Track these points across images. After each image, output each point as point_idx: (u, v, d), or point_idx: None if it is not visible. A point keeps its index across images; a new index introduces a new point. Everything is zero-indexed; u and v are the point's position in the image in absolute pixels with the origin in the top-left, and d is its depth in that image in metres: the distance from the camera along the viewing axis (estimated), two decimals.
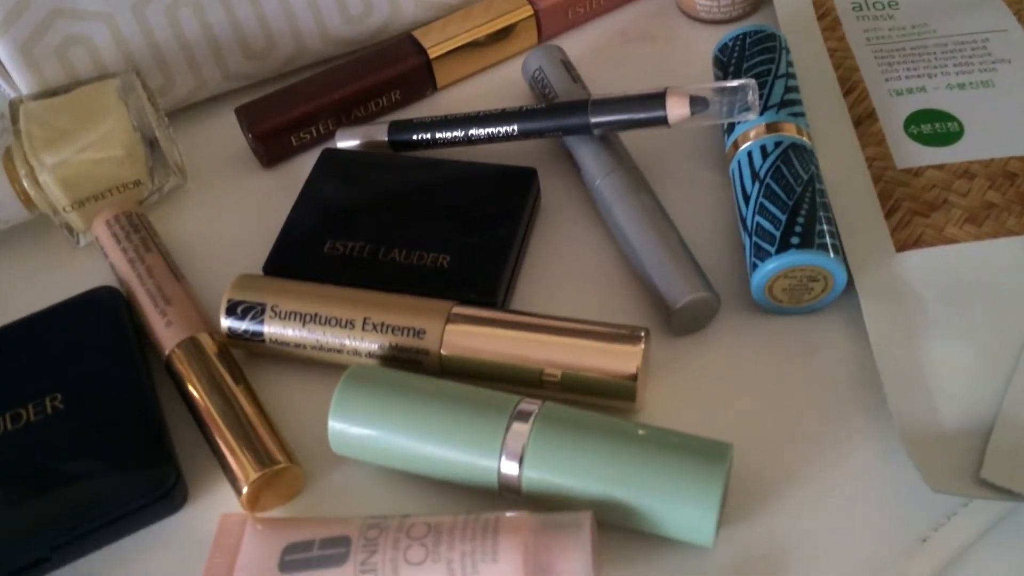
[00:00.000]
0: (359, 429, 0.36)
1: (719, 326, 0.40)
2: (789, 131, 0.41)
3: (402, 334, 0.38)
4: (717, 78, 0.46)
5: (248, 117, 0.49)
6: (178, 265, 0.43)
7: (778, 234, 0.38)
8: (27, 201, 0.45)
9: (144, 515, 0.36)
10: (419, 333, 0.38)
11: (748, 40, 0.45)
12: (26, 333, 0.41)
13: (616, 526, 0.34)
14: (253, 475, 0.36)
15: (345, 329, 0.39)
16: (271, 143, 0.49)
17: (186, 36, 0.49)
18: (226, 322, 0.40)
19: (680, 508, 0.32)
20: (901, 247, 0.40)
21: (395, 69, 0.50)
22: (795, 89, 0.43)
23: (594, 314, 0.39)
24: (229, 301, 0.40)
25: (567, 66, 0.48)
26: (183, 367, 0.39)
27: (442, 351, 0.38)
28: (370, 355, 0.39)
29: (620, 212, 0.42)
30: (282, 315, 0.39)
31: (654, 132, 0.44)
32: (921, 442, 0.34)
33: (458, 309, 0.38)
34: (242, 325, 0.40)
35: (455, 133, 0.46)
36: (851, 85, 0.46)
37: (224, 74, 0.51)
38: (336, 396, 0.36)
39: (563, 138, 0.46)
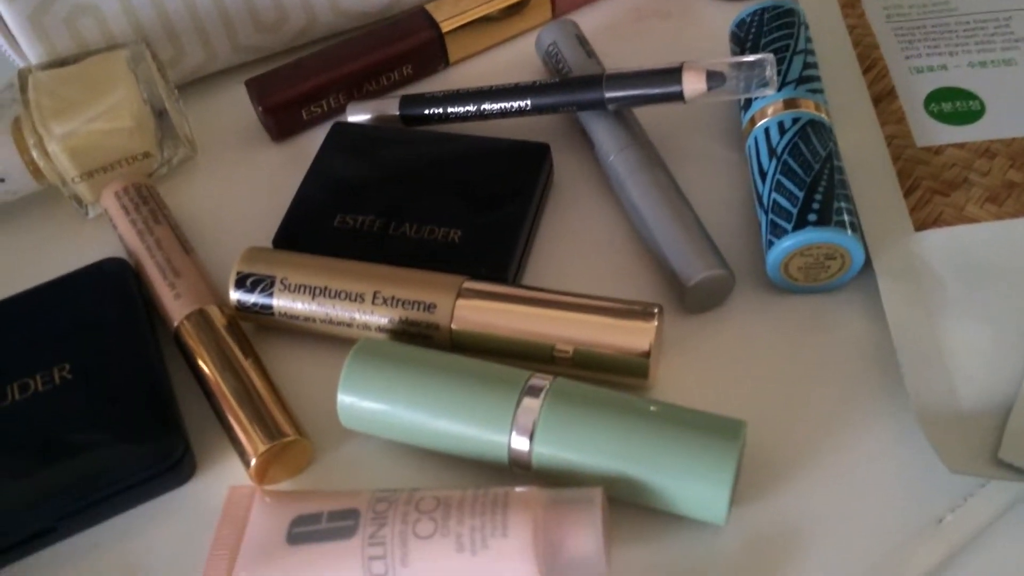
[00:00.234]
0: (368, 403, 0.35)
1: (733, 304, 0.39)
2: (807, 107, 0.40)
3: (412, 308, 0.38)
4: (734, 54, 0.45)
5: (258, 90, 0.48)
6: (187, 238, 0.43)
7: (795, 211, 0.37)
8: (36, 172, 0.45)
9: (152, 486, 0.36)
10: (430, 307, 0.38)
11: (766, 15, 0.44)
12: (35, 303, 0.40)
13: (627, 503, 0.33)
14: (261, 447, 0.35)
15: (355, 303, 0.38)
16: (281, 116, 0.49)
17: (196, 7, 0.48)
18: (235, 295, 0.40)
19: (692, 485, 0.32)
20: (920, 226, 0.39)
21: (407, 43, 0.50)
22: (814, 66, 0.42)
23: (607, 291, 0.39)
24: (238, 274, 0.40)
25: (581, 41, 0.48)
26: (192, 339, 0.39)
27: (452, 326, 0.37)
28: (380, 329, 0.38)
29: (634, 188, 0.41)
30: (292, 288, 0.39)
31: (669, 108, 0.44)
32: (938, 422, 0.33)
33: (469, 284, 0.38)
34: (251, 298, 0.39)
35: (467, 108, 0.45)
36: (871, 62, 0.45)
37: (234, 46, 0.51)
38: (345, 369, 0.36)
39: (577, 113, 0.45)
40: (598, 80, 0.42)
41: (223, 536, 0.34)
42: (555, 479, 0.33)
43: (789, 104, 0.40)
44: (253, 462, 0.35)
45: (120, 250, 0.44)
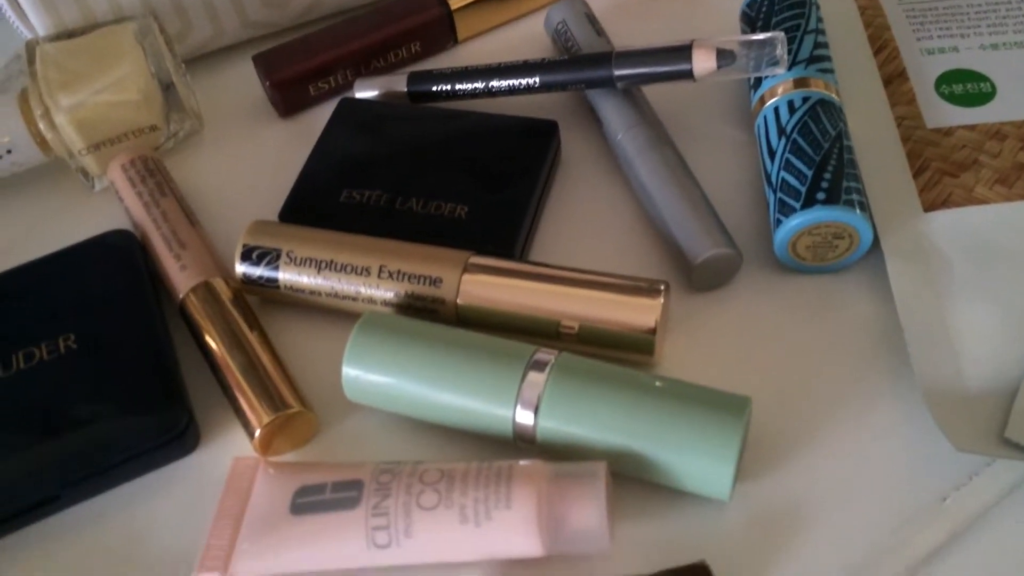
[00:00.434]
0: (373, 375, 0.35)
1: (740, 283, 0.39)
2: (818, 87, 0.40)
3: (418, 282, 0.38)
4: (744, 34, 0.45)
5: (266, 65, 0.48)
6: (193, 211, 0.43)
7: (804, 190, 0.37)
8: (42, 144, 0.44)
9: (155, 457, 0.36)
10: (435, 282, 0.38)
11: None
12: (41, 273, 0.40)
13: (631, 478, 0.33)
14: (266, 419, 0.35)
15: (361, 276, 0.38)
16: (289, 92, 0.48)
17: None
18: (241, 267, 0.40)
19: (697, 460, 0.32)
20: (929, 207, 0.39)
21: (415, 20, 0.49)
22: (824, 46, 0.42)
23: (613, 269, 0.39)
24: (244, 246, 0.40)
25: (591, 19, 0.47)
26: (197, 311, 0.39)
27: (458, 301, 0.37)
28: (385, 303, 0.38)
29: (642, 166, 0.41)
30: (297, 261, 0.39)
31: (678, 87, 0.44)
32: (944, 402, 0.33)
33: (475, 259, 0.38)
34: (257, 271, 0.39)
35: (475, 85, 0.45)
36: (881, 44, 0.45)
37: (242, 21, 0.50)
38: (350, 342, 0.36)
39: (585, 92, 0.45)
40: (607, 57, 0.42)
41: (227, 506, 0.34)
42: (559, 453, 0.33)
43: (799, 83, 0.40)
44: (257, 433, 0.35)
45: (126, 223, 0.43)
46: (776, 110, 0.40)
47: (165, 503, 0.36)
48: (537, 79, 0.44)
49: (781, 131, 0.39)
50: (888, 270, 0.37)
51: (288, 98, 0.49)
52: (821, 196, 0.37)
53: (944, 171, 0.40)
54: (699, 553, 0.32)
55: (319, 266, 0.39)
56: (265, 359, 0.37)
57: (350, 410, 0.37)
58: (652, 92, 0.45)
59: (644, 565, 0.31)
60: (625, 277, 0.37)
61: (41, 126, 0.44)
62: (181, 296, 0.39)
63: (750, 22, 0.44)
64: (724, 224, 0.39)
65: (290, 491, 0.34)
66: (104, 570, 0.34)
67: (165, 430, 0.36)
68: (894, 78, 0.44)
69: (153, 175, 0.43)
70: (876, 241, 0.38)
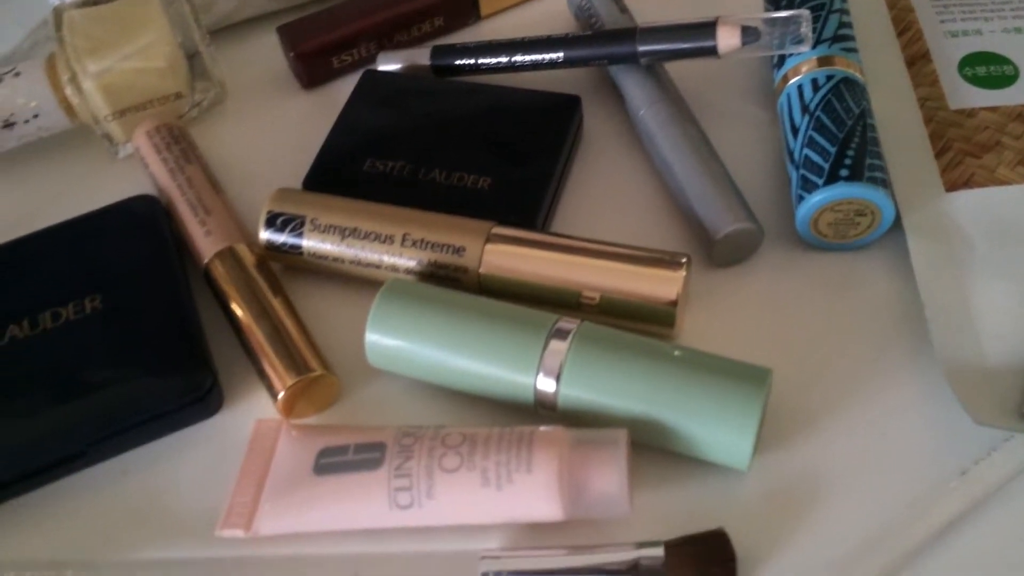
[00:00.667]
0: (396, 341, 0.36)
1: (761, 260, 0.40)
2: (842, 65, 0.40)
3: (441, 251, 0.38)
4: (768, 11, 0.45)
5: (290, 36, 0.49)
6: (217, 179, 0.43)
7: (827, 166, 0.37)
8: (68, 109, 0.45)
9: (179, 417, 0.37)
10: (458, 251, 0.38)
11: None
12: (68, 236, 0.41)
13: (650, 447, 0.33)
14: (289, 381, 0.36)
15: (384, 244, 0.38)
16: (312, 64, 0.49)
17: None
18: (265, 234, 0.40)
19: (717, 430, 0.32)
20: (951, 187, 0.39)
21: None
22: (848, 25, 0.42)
23: (634, 243, 0.39)
24: (269, 213, 0.40)
25: None
26: (221, 276, 0.39)
27: (481, 270, 0.38)
28: (408, 272, 0.38)
29: (664, 142, 0.41)
30: (321, 228, 0.39)
31: (700, 65, 0.44)
32: (965, 377, 0.34)
33: (498, 229, 0.38)
34: (280, 237, 0.40)
35: (499, 59, 0.45)
36: (905, 25, 0.45)
37: None
38: (374, 308, 0.36)
39: (608, 68, 0.45)
40: (631, 33, 0.42)
41: (250, 465, 0.35)
42: (580, 421, 0.34)
43: (823, 62, 0.40)
44: (280, 395, 0.36)
45: (149, 189, 0.44)
46: (800, 88, 0.40)
47: (188, 463, 0.36)
48: (561, 54, 0.44)
49: (804, 108, 0.39)
50: (909, 248, 0.37)
51: (311, 70, 0.49)
52: (844, 173, 0.37)
53: (966, 152, 0.40)
54: (717, 522, 0.32)
55: (343, 233, 0.39)
56: (288, 323, 0.38)
57: (372, 376, 0.38)
58: (673, 69, 0.45)
59: (663, 532, 0.32)
60: (647, 249, 0.37)
61: (68, 91, 0.44)
62: (205, 261, 0.40)
63: (774, 0, 0.44)
64: (746, 200, 0.39)
65: (313, 452, 0.34)
66: (128, 526, 0.35)
67: (189, 391, 0.36)
68: (917, 59, 0.44)
69: (178, 142, 0.44)
70: (897, 220, 0.38)
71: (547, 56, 0.44)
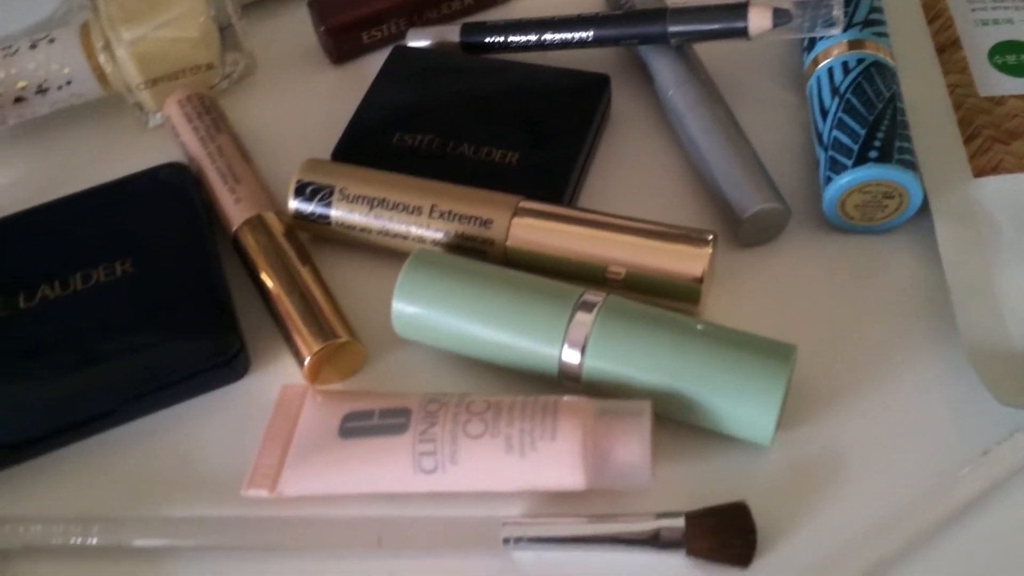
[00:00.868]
0: (422, 310, 0.36)
1: (787, 241, 0.40)
2: (872, 50, 0.40)
3: (468, 223, 0.38)
4: None
5: (321, 11, 0.49)
6: (246, 149, 0.44)
7: (856, 148, 0.37)
8: (101, 77, 0.45)
9: (206, 380, 0.37)
10: (486, 223, 0.38)
11: None
12: (99, 200, 0.41)
13: (673, 420, 0.34)
14: (315, 347, 0.36)
15: (412, 215, 0.39)
16: (342, 39, 0.49)
17: None
18: (294, 203, 0.40)
19: (742, 404, 0.32)
20: (979, 172, 0.39)
21: None
22: (879, 10, 0.42)
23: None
24: (298, 182, 0.40)
25: None
26: (250, 243, 0.39)
27: (507, 243, 0.38)
28: (435, 243, 0.39)
29: (693, 122, 0.41)
30: (350, 198, 0.40)
31: (729, 48, 0.44)
32: (989, 358, 0.34)
33: (525, 203, 0.38)
34: (309, 207, 0.40)
35: (528, 37, 0.45)
36: (936, 13, 0.45)
37: None
38: (401, 277, 0.36)
39: (638, 48, 0.46)
40: (662, 13, 0.43)
41: (275, 428, 0.35)
42: (604, 393, 0.34)
43: (854, 45, 0.40)
44: (307, 361, 0.36)
45: (179, 159, 0.44)
46: (830, 71, 0.40)
47: (215, 425, 0.37)
48: (591, 33, 0.44)
49: (835, 91, 0.40)
50: (936, 231, 0.37)
51: (341, 45, 0.49)
52: (873, 154, 0.37)
53: (995, 138, 0.40)
54: (738, 496, 0.32)
55: (371, 204, 0.39)
56: (316, 291, 0.38)
57: (397, 345, 0.38)
58: (703, 51, 0.45)
59: (683, 504, 0.32)
60: (674, 226, 0.37)
61: (101, 59, 0.44)
62: (234, 229, 0.40)
63: None
64: (773, 181, 0.39)
65: (338, 416, 0.34)
66: (155, 484, 0.35)
67: (216, 354, 0.37)
68: (947, 47, 0.44)
69: (209, 112, 0.44)
70: (923, 205, 0.38)
71: (577, 35, 0.44)
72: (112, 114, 0.48)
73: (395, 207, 0.39)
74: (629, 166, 0.43)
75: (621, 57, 0.47)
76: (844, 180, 0.37)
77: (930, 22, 0.45)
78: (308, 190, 0.40)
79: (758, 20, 0.41)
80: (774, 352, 0.33)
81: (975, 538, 0.31)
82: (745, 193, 0.39)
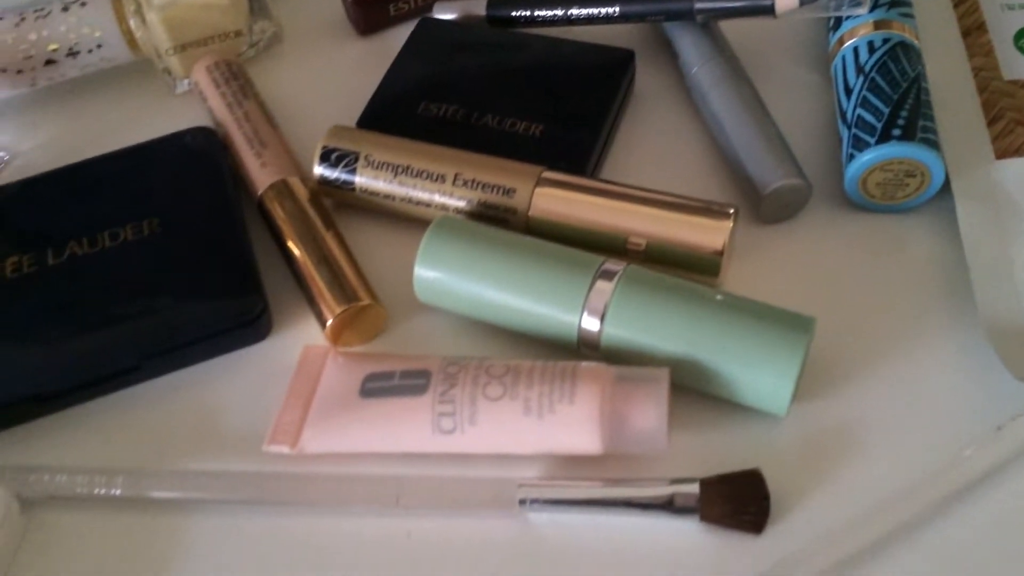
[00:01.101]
0: (444, 276, 0.36)
1: (807, 218, 0.40)
2: (898, 30, 0.40)
3: (491, 192, 0.39)
4: None
5: None
6: (273, 115, 0.44)
7: (880, 126, 0.37)
8: (131, 42, 0.46)
9: (229, 339, 0.38)
10: (509, 192, 0.38)
11: None
12: (128, 162, 0.42)
13: (690, 390, 0.34)
14: (338, 309, 0.36)
15: (436, 183, 0.39)
16: (369, 10, 0.49)
17: None
18: (319, 169, 0.41)
19: (759, 372, 0.33)
20: (1001, 155, 0.39)
21: None
22: None
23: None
24: (324, 148, 0.41)
25: None
26: (275, 207, 0.40)
27: (530, 212, 0.38)
28: (458, 211, 0.39)
29: (717, 99, 0.42)
30: (375, 165, 0.40)
31: (753, 27, 0.44)
32: (1006, 335, 0.34)
33: (548, 173, 0.39)
34: (334, 173, 0.41)
35: (555, 12, 0.46)
36: None
37: None
38: (424, 243, 0.37)
39: (663, 24, 0.46)
40: None
41: (297, 387, 0.36)
42: (622, 361, 0.34)
43: (880, 25, 0.41)
44: (329, 322, 0.37)
45: (206, 123, 0.45)
46: (855, 50, 0.40)
47: (236, 384, 0.37)
48: (617, 9, 0.44)
49: (860, 70, 0.40)
50: (957, 210, 0.37)
51: (368, 16, 0.50)
52: (897, 132, 0.37)
53: (1018, 121, 0.40)
54: (752, 464, 0.32)
55: (395, 171, 0.40)
56: (339, 255, 0.38)
57: (418, 311, 0.38)
58: (728, 29, 0.45)
59: (698, 471, 0.32)
60: (696, 199, 0.37)
61: (132, 23, 0.45)
62: (260, 192, 0.41)
63: None
64: (796, 158, 0.40)
65: (359, 376, 0.35)
66: (178, 439, 0.36)
67: (239, 314, 0.37)
68: (972, 30, 0.44)
69: (236, 78, 0.45)
70: (944, 185, 0.38)
71: (603, 10, 0.45)
72: (140, 79, 0.49)
73: (419, 174, 0.39)
74: (652, 142, 0.44)
75: (646, 33, 0.47)
76: (867, 157, 0.37)
77: (956, 5, 0.45)
78: (333, 156, 0.41)
79: None
80: (793, 323, 0.33)
81: (988, 511, 0.31)
82: (767, 169, 0.39)
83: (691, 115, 0.44)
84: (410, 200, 0.40)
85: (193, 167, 0.42)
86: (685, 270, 0.37)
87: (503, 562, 0.32)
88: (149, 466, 0.35)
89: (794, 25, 0.46)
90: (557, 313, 0.35)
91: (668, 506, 0.32)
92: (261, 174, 0.41)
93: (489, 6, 0.47)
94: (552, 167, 0.39)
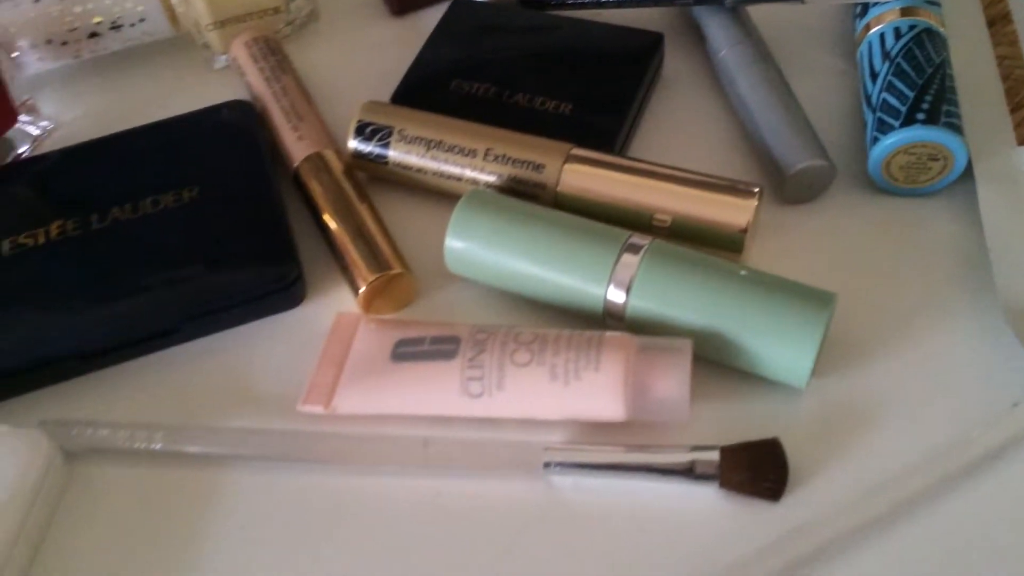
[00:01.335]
0: (474, 247, 0.37)
1: (830, 199, 0.41)
2: (924, 16, 0.41)
3: (521, 167, 0.40)
4: None
5: None
6: (308, 91, 0.45)
7: (904, 109, 0.38)
8: (172, 17, 0.47)
9: (265, 304, 0.39)
10: (538, 167, 0.39)
11: None
12: (168, 132, 0.43)
13: (711, 362, 0.35)
14: (370, 277, 0.38)
15: (467, 158, 0.40)
16: None
17: None
18: (353, 143, 0.42)
19: (780, 345, 0.33)
20: (1023, 141, 0.40)
21: None
22: None
23: None
24: (359, 122, 0.42)
25: None
26: (311, 179, 0.41)
27: (558, 188, 0.39)
28: (488, 186, 0.40)
29: (743, 80, 0.42)
30: (408, 139, 0.41)
31: (784, 11, 0.45)
32: (1023, 314, 0.35)
33: (577, 150, 0.40)
34: (368, 147, 0.42)
35: None
36: None
37: None
38: (455, 214, 0.38)
39: (693, 8, 0.46)
40: None
41: (330, 351, 0.37)
42: (646, 332, 0.35)
43: (907, 12, 0.41)
44: (362, 290, 0.38)
45: (244, 97, 0.46)
46: (882, 36, 0.41)
47: (272, 349, 0.38)
48: None
49: (885, 55, 0.40)
50: (978, 194, 0.38)
51: None
52: (921, 116, 0.38)
53: None
54: (772, 434, 0.33)
55: (428, 145, 0.41)
56: (372, 225, 0.40)
57: (448, 281, 0.39)
58: (756, 14, 0.46)
59: (718, 440, 0.33)
60: (721, 177, 0.38)
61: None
62: (296, 164, 0.42)
63: None
64: (820, 140, 0.40)
65: (391, 341, 0.36)
66: (216, 398, 0.37)
67: (275, 280, 0.39)
68: (997, 20, 0.44)
69: (274, 54, 0.46)
70: (966, 170, 0.39)
71: None
72: (180, 54, 0.50)
73: (451, 149, 0.40)
74: (678, 123, 0.44)
75: (675, 17, 0.48)
76: (891, 140, 0.38)
77: None
78: (368, 130, 0.42)
79: None
80: (814, 297, 0.34)
81: (1003, 485, 0.32)
82: (792, 149, 0.40)
83: (718, 97, 0.45)
84: (442, 174, 0.41)
85: (231, 139, 0.43)
86: (709, 247, 0.38)
87: (527, 522, 0.33)
88: (189, 423, 0.36)
89: (821, 13, 0.47)
90: (584, 285, 0.36)
91: (688, 472, 0.33)
92: (297, 147, 0.42)
93: None
94: (581, 144, 0.40)
